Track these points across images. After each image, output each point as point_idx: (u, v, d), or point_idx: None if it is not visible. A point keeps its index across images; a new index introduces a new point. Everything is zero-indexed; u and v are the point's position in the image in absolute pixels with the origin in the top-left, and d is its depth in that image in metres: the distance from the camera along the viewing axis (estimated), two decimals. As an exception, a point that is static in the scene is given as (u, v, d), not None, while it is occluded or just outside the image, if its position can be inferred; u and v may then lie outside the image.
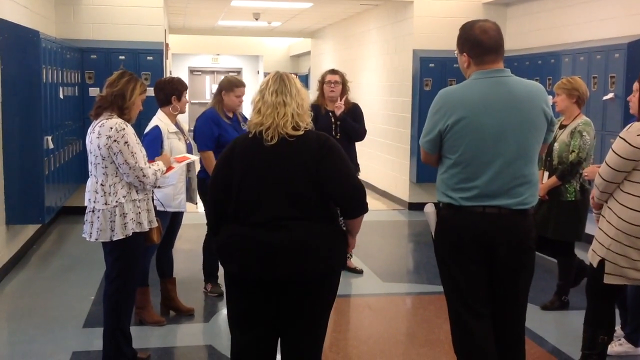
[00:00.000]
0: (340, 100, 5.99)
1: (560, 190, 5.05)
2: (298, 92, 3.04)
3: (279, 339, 3.13)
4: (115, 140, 3.78)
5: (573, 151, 4.96)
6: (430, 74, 9.30)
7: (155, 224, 4.06)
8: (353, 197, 3.01)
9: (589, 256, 3.76)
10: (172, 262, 5.17)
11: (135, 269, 4.00)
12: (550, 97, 6.87)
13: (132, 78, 3.96)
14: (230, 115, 5.40)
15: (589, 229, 6.73)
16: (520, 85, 3.14)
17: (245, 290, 3.04)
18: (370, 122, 10.97)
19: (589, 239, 6.89)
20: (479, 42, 3.12)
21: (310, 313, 3.05)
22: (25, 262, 6.62)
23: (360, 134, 6.10)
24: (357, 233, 3.17)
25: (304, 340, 3.08)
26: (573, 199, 5.04)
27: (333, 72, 6.16)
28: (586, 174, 4.25)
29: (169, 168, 4.23)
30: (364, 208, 3.05)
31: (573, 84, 5.04)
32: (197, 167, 5.26)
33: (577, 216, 5.08)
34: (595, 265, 3.70)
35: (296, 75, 3.24)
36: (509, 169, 3.08)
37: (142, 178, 3.86)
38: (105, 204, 3.83)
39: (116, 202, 3.83)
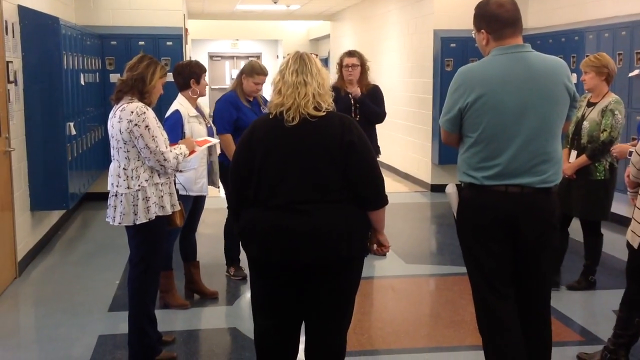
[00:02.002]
0: (358, 82, 5.93)
1: (589, 169, 4.97)
2: (319, 71, 3.00)
3: (303, 322, 3.12)
4: (136, 124, 3.78)
5: (605, 130, 4.86)
6: (452, 54, 9.20)
7: (177, 207, 4.06)
8: (372, 188, 2.97)
9: (629, 237, 3.67)
10: (195, 245, 5.18)
11: (158, 252, 4.01)
12: (574, 74, 6.79)
13: (152, 62, 3.94)
14: (251, 98, 5.38)
15: (619, 209, 6.67)
16: (541, 61, 3.08)
17: (268, 275, 3.03)
18: (391, 104, 10.91)
19: (614, 218, 6.79)
20: (496, 16, 3.06)
21: (333, 298, 3.03)
22: (50, 247, 6.69)
23: (380, 116, 6.04)
24: (383, 228, 3.13)
25: (328, 325, 3.06)
26: (602, 177, 4.96)
27: (350, 54, 6.09)
28: (615, 152, 4.16)
29: (192, 152, 4.23)
30: (382, 200, 3.02)
31: (602, 60, 4.93)
32: (218, 151, 5.26)
33: (606, 195, 5.01)
34: (635, 246, 3.61)
35: (316, 55, 3.20)
36: (531, 146, 3.03)
37: (163, 162, 3.85)
38: (128, 188, 3.83)
39: (139, 186, 3.84)
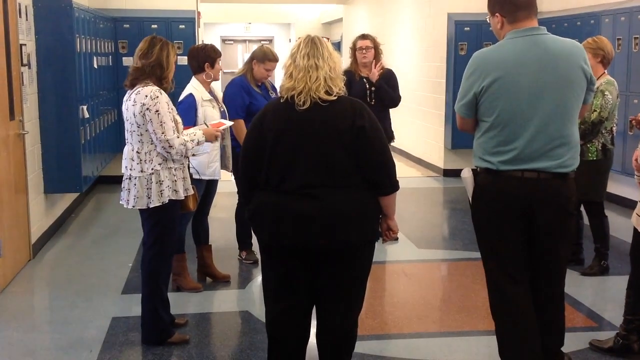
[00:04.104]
0: (375, 66, 5.91)
1: (582, 150, 4.96)
2: (330, 55, 2.98)
3: (315, 306, 3.12)
4: (148, 108, 3.77)
5: (595, 110, 4.91)
6: (466, 38, 9.13)
7: (191, 191, 4.07)
8: (383, 173, 2.96)
9: (634, 220, 3.66)
10: (207, 229, 5.20)
11: (171, 235, 4.02)
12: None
13: (164, 44, 3.92)
14: (260, 83, 5.36)
15: (631, 194, 6.62)
16: (557, 43, 3.06)
17: (278, 259, 3.03)
18: (404, 88, 10.83)
19: (611, 198, 6.72)
20: None
21: (344, 282, 3.03)
22: (63, 230, 6.73)
23: (395, 100, 6.03)
24: (394, 214, 3.12)
25: (340, 309, 3.06)
26: (595, 158, 5.01)
27: (363, 37, 6.09)
28: None
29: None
30: (393, 185, 3.00)
31: (598, 43, 4.99)
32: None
33: (599, 176, 5.07)
34: None
35: (328, 39, 3.17)
36: (548, 130, 3.01)
37: (168, 149, 3.83)
38: (142, 171, 3.84)
39: (152, 169, 3.84)
